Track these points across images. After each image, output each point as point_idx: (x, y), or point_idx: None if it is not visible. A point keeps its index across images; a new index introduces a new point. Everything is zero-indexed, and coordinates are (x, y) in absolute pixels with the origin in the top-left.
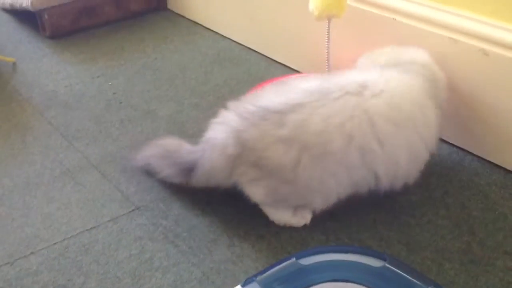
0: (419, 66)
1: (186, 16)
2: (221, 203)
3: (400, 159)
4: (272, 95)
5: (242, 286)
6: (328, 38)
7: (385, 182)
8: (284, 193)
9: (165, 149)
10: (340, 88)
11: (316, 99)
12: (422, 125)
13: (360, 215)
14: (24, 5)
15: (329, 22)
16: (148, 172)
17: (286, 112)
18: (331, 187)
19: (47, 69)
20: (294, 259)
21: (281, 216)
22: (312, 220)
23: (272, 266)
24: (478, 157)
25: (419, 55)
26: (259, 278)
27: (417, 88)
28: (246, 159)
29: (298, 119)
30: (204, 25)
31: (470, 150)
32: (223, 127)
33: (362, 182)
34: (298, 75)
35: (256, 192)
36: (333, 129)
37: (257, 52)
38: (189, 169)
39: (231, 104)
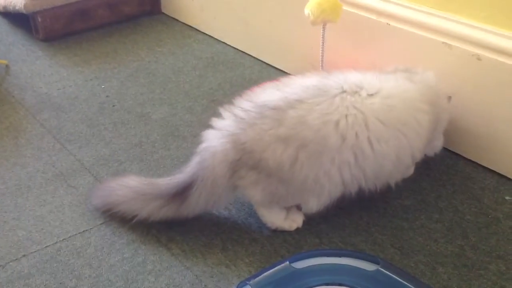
0: (420, 77)
1: (180, 19)
2: None
3: (386, 161)
4: (270, 92)
5: None
6: (323, 43)
7: (371, 182)
8: (280, 193)
9: (134, 188)
10: (338, 86)
11: (315, 95)
12: (412, 130)
13: (354, 218)
14: (17, 7)
15: (324, 27)
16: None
17: (285, 109)
18: (324, 186)
19: (40, 72)
20: (287, 262)
21: (274, 219)
22: (306, 223)
23: (265, 270)
24: (471, 161)
25: (427, 74)
26: (252, 281)
27: (412, 92)
28: (245, 163)
29: (297, 115)
30: (198, 28)
31: (463, 155)
32: (219, 134)
33: (353, 181)
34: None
35: (254, 194)
36: (329, 126)
37: (251, 56)
38: (179, 193)
39: (223, 110)
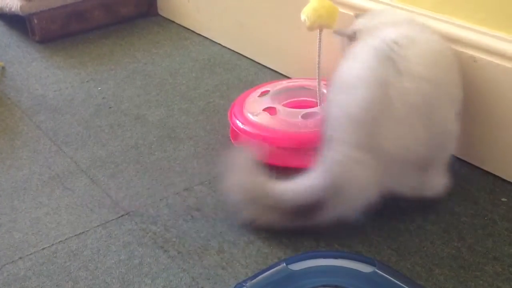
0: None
1: (177, 21)
2: (211, 208)
3: (441, 110)
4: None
5: None
6: (319, 48)
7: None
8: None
9: (250, 192)
10: (392, 46)
11: (388, 65)
12: (454, 85)
13: (350, 220)
14: (13, 9)
15: (320, 32)
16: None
17: (389, 84)
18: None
19: (36, 74)
20: (284, 264)
21: None
22: (302, 225)
23: (262, 272)
24: (468, 163)
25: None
26: (249, 283)
27: (450, 51)
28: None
29: (403, 87)
30: (195, 30)
31: (460, 157)
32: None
33: (425, 133)
34: (288, 80)
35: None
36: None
37: (247, 57)
38: (309, 210)
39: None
